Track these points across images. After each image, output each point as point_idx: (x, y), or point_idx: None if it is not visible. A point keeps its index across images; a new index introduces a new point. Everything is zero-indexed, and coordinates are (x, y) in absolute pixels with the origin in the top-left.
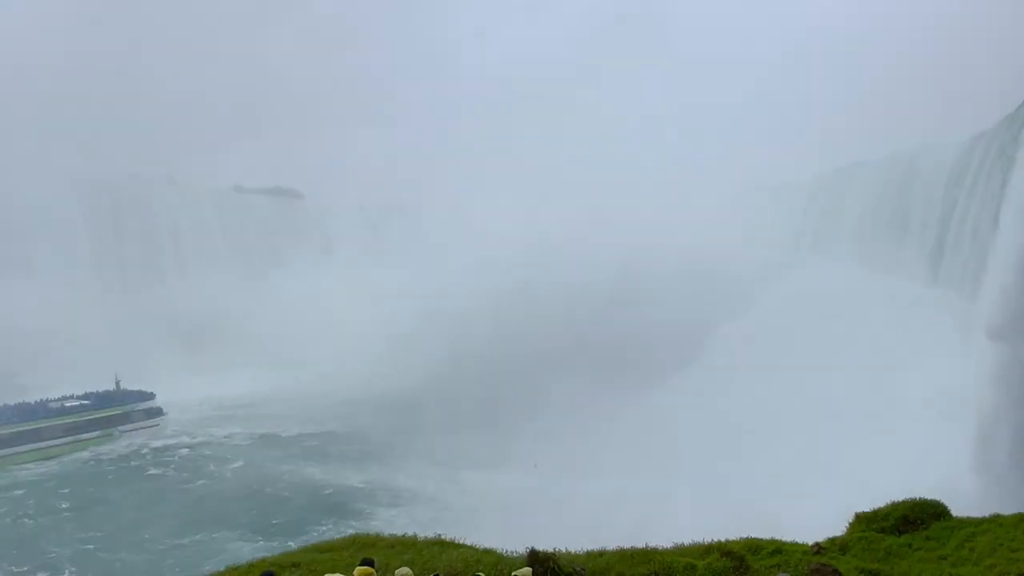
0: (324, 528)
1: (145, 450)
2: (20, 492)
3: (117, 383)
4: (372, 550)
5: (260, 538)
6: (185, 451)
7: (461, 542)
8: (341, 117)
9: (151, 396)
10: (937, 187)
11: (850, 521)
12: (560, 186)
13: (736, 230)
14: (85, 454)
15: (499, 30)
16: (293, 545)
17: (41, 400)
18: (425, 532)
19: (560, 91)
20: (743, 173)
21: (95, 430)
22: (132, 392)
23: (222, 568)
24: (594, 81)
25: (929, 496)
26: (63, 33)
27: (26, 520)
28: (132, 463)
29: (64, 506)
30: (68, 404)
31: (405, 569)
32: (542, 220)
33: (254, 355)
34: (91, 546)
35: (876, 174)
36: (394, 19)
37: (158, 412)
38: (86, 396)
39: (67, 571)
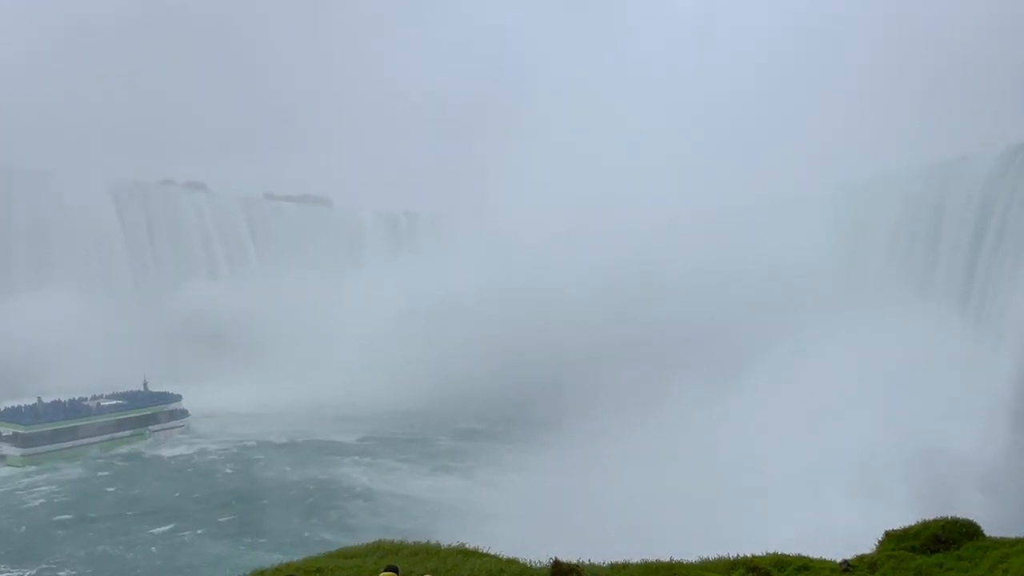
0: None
1: (172, 451)
2: (55, 488)
3: (145, 384)
4: (396, 557)
5: (286, 543)
6: (212, 454)
7: (484, 551)
8: (367, 125)
9: (177, 398)
10: (971, 203)
11: (880, 539)
12: (582, 186)
13: (756, 238)
14: (117, 453)
15: (521, 29)
16: (316, 551)
17: (76, 399)
18: (448, 540)
19: (581, 91)
20: (763, 180)
21: (127, 429)
22: (159, 393)
23: (248, 572)
24: (616, 80)
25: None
26: (99, 41)
27: (47, 517)
28: (157, 463)
29: (87, 505)
30: (104, 404)
31: None
32: (565, 221)
33: (282, 360)
34: (101, 546)
35: (906, 187)
36: (413, 23)
37: (183, 413)
38: (116, 396)
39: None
